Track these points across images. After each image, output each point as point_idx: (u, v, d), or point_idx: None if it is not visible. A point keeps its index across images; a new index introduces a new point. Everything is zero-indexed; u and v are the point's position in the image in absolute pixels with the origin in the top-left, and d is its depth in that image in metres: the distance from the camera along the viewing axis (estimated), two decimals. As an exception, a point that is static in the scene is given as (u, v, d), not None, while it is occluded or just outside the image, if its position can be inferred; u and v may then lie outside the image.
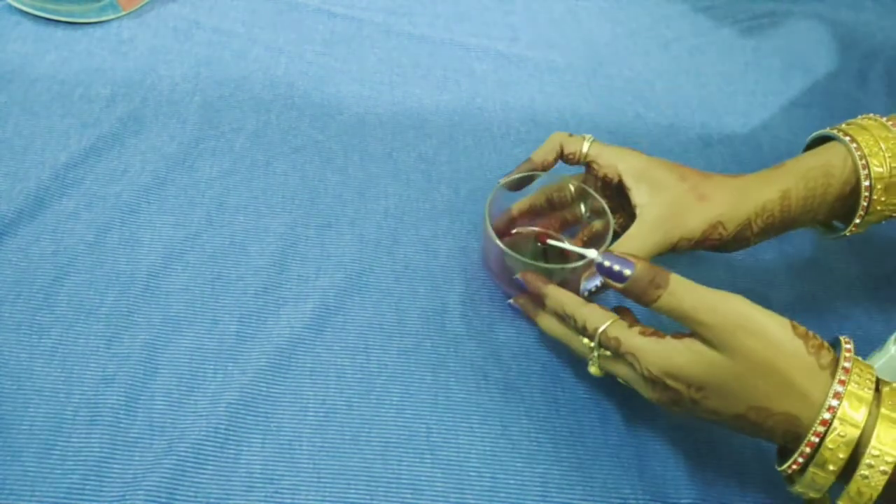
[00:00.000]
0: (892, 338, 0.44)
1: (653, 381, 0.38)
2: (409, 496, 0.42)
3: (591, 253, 0.42)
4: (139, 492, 0.40)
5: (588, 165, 0.50)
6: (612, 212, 0.50)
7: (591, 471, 0.44)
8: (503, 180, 0.50)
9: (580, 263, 0.46)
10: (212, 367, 0.46)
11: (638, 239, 0.45)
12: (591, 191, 0.50)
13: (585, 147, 0.50)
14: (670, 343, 0.38)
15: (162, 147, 0.58)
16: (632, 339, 0.39)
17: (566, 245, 0.47)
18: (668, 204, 0.46)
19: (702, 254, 0.55)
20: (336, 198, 0.57)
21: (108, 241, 0.52)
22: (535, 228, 0.54)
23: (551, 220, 0.54)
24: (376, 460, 0.43)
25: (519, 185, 0.51)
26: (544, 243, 0.51)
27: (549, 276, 0.46)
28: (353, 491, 0.42)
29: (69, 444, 0.42)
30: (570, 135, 0.51)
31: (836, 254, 0.59)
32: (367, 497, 0.42)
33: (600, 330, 0.40)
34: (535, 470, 0.44)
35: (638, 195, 0.47)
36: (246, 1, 0.73)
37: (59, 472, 0.41)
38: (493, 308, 0.51)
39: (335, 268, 0.52)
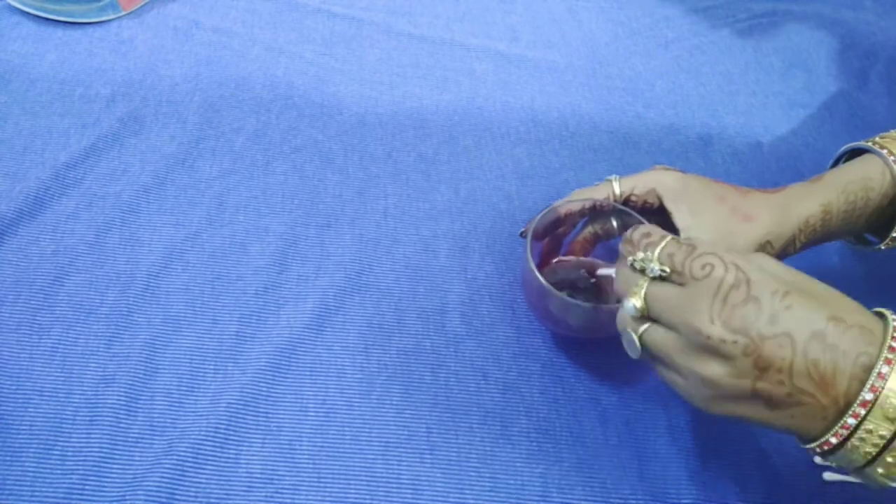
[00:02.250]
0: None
1: (733, 286, 0.32)
2: (409, 496, 0.42)
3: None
4: (139, 492, 0.40)
5: (626, 202, 0.49)
6: None
7: (591, 471, 0.44)
8: (531, 227, 0.47)
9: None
10: (212, 367, 0.46)
11: None
12: (631, 211, 0.48)
13: (617, 188, 0.48)
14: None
15: (162, 147, 0.58)
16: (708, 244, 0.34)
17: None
18: (713, 228, 0.45)
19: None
20: (336, 198, 0.57)
21: (108, 241, 0.52)
22: (582, 258, 0.51)
23: (584, 239, 0.52)
24: (376, 460, 0.43)
25: (549, 228, 0.50)
26: (593, 275, 0.49)
27: (597, 315, 0.44)
28: (353, 491, 0.42)
29: (69, 444, 0.42)
30: (596, 185, 0.50)
31: (838, 254, 0.59)
32: (367, 497, 0.42)
33: (670, 239, 0.35)
34: (535, 470, 0.44)
35: (680, 217, 0.46)
36: (246, 1, 0.73)
37: (59, 472, 0.41)
38: (493, 308, 0.51)
39: (335, 268, 0.52)
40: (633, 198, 0.48)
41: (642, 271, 0.35)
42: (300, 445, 0.43)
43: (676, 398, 0.49)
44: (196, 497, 0.41)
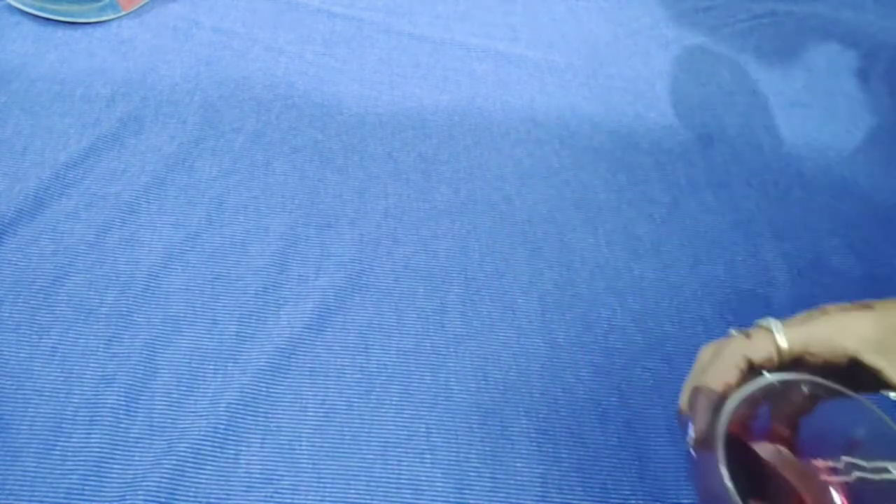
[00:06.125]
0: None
1: None
2: (409, 496, 0.42)
3: None
4: (139, 492, 0.40)
5: (797, 364, 0.34)
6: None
7: (591, 471, 0.44)
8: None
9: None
10: (212, 367, 0.46)
11: None
12: (841, 388, 0.32)
13: (783, 341, 0.34)
14: None
15: (162, 147, 0.58)
16: None
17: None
18: None
19: (700, 255, 0.55)
20: (336, 198, 0.57)
21: (108, 241, 0.52)
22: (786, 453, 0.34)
23: (777, 435, 0.35)
24: (376, 460, 0.43)
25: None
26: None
27: None
28: (353, 491, 0.42)
29: (69, 444, 0.42)
30: (745, 332, 0.34)
31: (836, 254, 0.59)
32: (367, 497, 0.42)
33: None
34: (535, 470, 0.44)
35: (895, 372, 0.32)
36: (246, 1, 0.73)
37: (59, 472, 0.41)
38: (493, 308, 0.51)
39: (335, 268, 0.52)
40: (807, 356, 0.34)
41: None
42: (300, 445, 0.43)
43: (676, 398, 0.49)
44: (196, 497, 0.41)
